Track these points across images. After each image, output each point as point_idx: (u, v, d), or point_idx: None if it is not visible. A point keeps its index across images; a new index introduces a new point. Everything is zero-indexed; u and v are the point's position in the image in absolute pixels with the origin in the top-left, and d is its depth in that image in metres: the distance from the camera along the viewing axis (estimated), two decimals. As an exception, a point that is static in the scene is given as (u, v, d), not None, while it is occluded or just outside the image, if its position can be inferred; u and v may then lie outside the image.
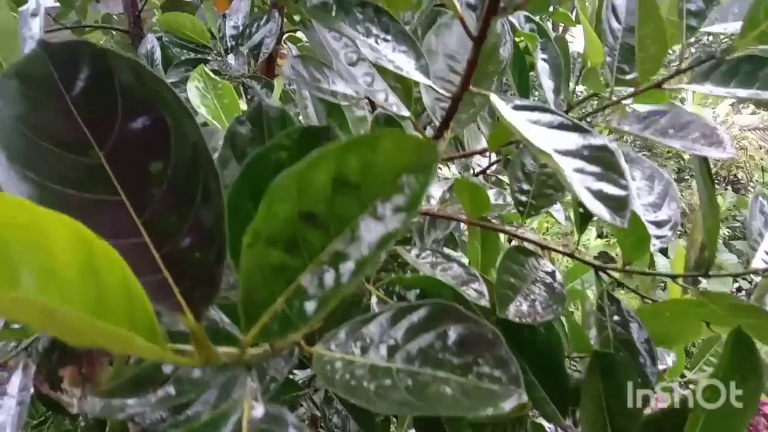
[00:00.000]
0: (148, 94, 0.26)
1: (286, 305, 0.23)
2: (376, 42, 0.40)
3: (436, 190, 0.62)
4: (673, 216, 0.52)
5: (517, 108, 0.36)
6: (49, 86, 0.26)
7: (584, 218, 0.52)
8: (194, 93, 0.68)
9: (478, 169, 0.76)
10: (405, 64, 0.38)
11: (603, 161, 0.34)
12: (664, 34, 0.43)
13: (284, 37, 1.21)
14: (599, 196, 0.32)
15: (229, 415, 0.24)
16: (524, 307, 0.45)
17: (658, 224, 0.51)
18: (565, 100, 0.54)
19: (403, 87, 0.44)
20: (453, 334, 0.29)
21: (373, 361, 0.29)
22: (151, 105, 0.26)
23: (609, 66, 0.46)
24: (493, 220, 0.66)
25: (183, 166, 0.26)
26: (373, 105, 0.54)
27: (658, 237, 0.50)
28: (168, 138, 0.26)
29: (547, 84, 0.49)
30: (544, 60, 0.57)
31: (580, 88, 0.71)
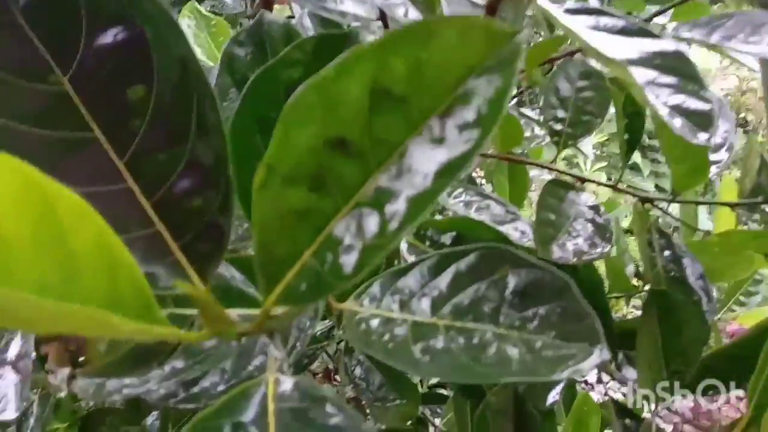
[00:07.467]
0: (119, 3, 0.20)
1: (316, 259, 0.18)
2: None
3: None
4: (728, 138, 0.46)
5: (570, 12, 0.30)
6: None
7: (630, 145, 0.46)
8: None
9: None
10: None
11: (679, 71, 0.28)
12: None
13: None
14: (679, 110, 0.27)
15: (251, 393, 0.20)
16: (569, 246, 0.40)
17: (713, 148, 0.46)
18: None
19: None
20: (512, 282, 0.24)
21: (416, 317, 0.24)
22: (124, 16, 0.20)
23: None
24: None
25: (170, 90, 0.21)
26: (386, 25, 0.48)
27: (713, 162, 0.45)
28: (148, 56, 0.21)
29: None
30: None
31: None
